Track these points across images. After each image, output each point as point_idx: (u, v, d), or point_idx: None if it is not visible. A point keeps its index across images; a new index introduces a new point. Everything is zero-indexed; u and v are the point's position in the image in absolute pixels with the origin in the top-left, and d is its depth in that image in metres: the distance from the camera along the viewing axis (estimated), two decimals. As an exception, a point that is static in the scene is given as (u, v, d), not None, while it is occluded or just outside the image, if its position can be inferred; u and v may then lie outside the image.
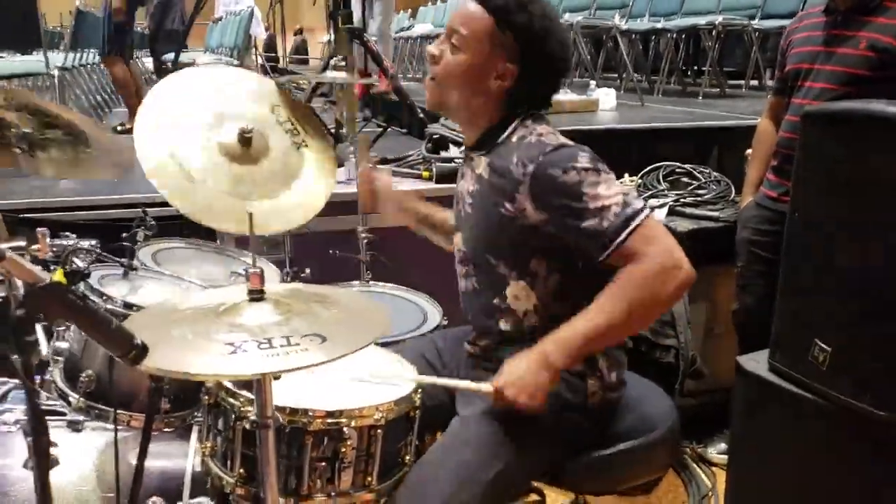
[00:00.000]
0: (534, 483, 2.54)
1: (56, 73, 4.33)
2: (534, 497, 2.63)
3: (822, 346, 1.82)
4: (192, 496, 1.73)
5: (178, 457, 1.79)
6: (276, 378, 1.27)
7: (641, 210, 1.52)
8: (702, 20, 5.81)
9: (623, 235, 1.49)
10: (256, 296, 1.23)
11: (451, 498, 1.54)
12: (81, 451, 1.74)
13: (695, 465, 2.95)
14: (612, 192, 1.52)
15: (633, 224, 1.49)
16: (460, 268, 1.81)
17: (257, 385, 1.25)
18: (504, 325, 1.72)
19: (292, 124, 1.82)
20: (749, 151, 2.95)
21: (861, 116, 1.78)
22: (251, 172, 1.70)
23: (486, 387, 1.58)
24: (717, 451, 2.97)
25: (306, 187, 1.76)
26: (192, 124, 1.69)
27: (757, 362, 2.04)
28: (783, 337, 1.97)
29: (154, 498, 1.70)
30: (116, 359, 1.00)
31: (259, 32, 10.11)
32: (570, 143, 1.62)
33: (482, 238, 1.70)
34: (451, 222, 1.90)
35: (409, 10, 12.04)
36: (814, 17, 2.61)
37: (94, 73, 7.42)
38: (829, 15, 2.53)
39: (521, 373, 1.53)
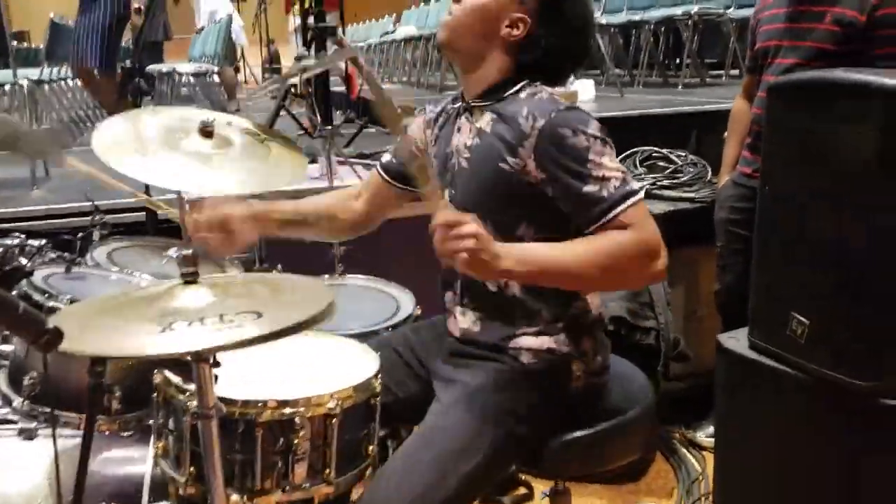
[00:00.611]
0: (521, 476, 2.51)
1: (25, 82, 4.27)
2: (522, 490, 2.60)
3: (800, 318, 1.80)
4: (152, 501, 1.66)
5: (139, 461, 1.72)
6: (216, 365, 1.21)
7: (639, 191, 1.51)
8: (678, 10, 5.81)
9: (622, 207, 1.47)
10: (190, 278, 1.17)
11: (430, 489, 1.49)
12: (34, 460, 1.67)
13: (684, 450, 2.92)
14: (615, 165, 1.51)
15: (631, 200, 1.49)
16: None
17: (196, 373, 1.19)
18: (491, 286, 1.67)
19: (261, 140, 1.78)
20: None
21: (824, 85, 1.77)
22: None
23: (446, 209, 1.42)
24: (706, 435, 2.94)
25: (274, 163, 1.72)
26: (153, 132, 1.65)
27: (737, 340, 2.02)
28: (760, 312, 1.95)
29: (111, 504, 1.64)
30: (30, 346, 0.94)
31: (242, 41, 10.10)
32: (581, 108, 1.60)
33: (475, 194, 1.65)
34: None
35: (394, 15, 12.03)
36: None
37: (74, 88, 7.39)
38: None
39: (484, 238, 1.39)
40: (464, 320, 1.72)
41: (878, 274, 1.64)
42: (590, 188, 1.48)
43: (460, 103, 1.75)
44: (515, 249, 1.47)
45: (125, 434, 1.77)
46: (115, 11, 4.97)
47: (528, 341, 1.64)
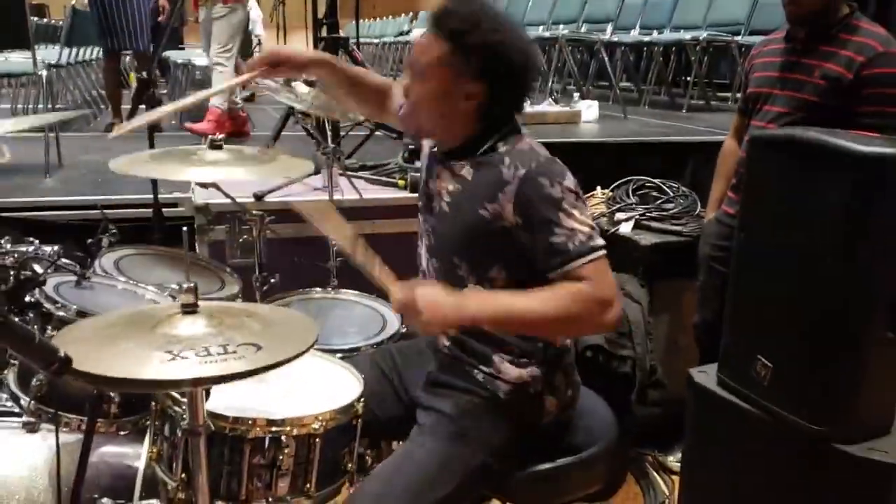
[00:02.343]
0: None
1: (44, 72, 4.37)
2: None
3: (765, 362, 1.88)
4: (142, 498, 1.77)
5: (133, 458, 1.83)
6: (208, 390, 1.32)
7: (602, 248, 1.59)
8: (687, 35, 5.87)
9: (582, 262, 1.55)
10: (189, 309, 1.28)
11: None
12: (35, 450, 1.79)
13: (654, 474, 3.00)
14: (584, 219, 1.59)
15: (592, 256, 1.56)
16: (425, 253, 1.84)
17: (189, 394, 1.30)
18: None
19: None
20: None
21: (802, 144, 1.82)
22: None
23: (397, 288, 1.56)
24: (676, 460, 3.01)
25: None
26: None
27: (707, 375, 2.09)
28: (729, 352, 2.03)
29: (104, 499, 1.75)
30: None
31: (259, 31, 10.12)
32: (559, 161, 1.67)
33: (453, 237, 1.73)
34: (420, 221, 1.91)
35: (411, 14, 12.04)
36: (775, 44, 2.66)
37: (90, 70, 7.49)
38: (789, 42, 2.58)
39: (438, 298, 1.53)
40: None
41: (840, 327, 1.72)
42: (557, 239, 1.57)
43: (437, 150, 1.81)
44: (472, 300, 1.56)
45: (122, 433, 1.87)
46: None
47: (505, 368, 1.73)
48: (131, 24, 5.33)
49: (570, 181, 1.61)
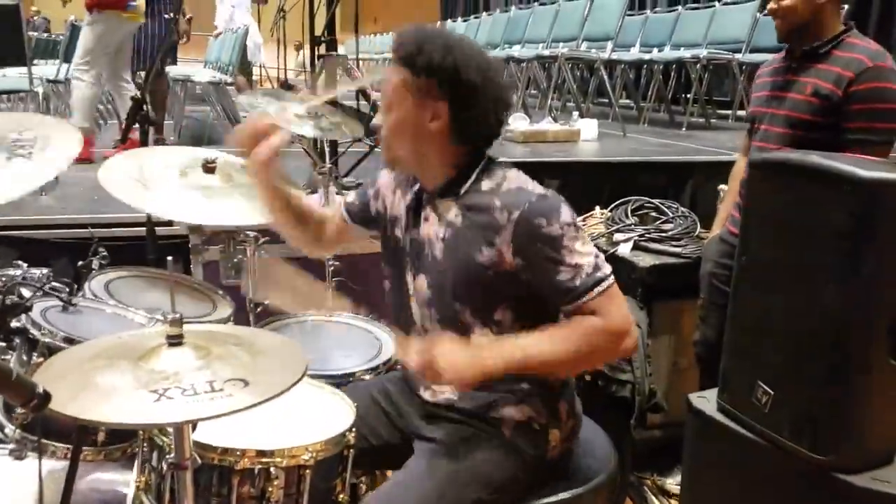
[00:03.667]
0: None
1: (40, 89, 4.37)
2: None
3: (765, 388, 1.85)
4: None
5: (122, 485, 1.80)
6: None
7: (609, 275, 1.59)
8: (687, 53, 5.88)
9: (591, 295, 1.55)
10: (175, 341, 1.25)
11: None
12: (22, 478, 1.74)
13: (653, 497, 2.97)
14: (587, 250, 1.58)
15: (601, 287, 1.56)
16: (424, 310, 1.77)
17: (175, 429, 1.27)
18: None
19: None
20: (722, 186, 2.99)
21: (801, 168, 1.81)
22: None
23: (417, 347, 1.57)
24: (675, 483, 2.98)
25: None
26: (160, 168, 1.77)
27: (707, 400, 2.07)
28: (730, 377, 2.00)
29: (92, 527, 1.72)
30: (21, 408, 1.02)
31: (259, 58, 10.12)
32: (551, 192, 1.65)
33: (451, 284, 1.69)
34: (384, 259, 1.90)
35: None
36: (776, 63, 2.66)
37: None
38: (786, 61, 2.59)
39: (456, 355, 1.54)
40: (439, 388, 1.76)
41: (841, 353, 1.70)
42: (563, 276, 1.56)
43: (423, 193, 1.78)
44: (487, 352, 1.56)
45: (111, 461, 1.85)
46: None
47: (509, 412, 1.70)
48: (143, 45, 5.30)
49: (566, 215, 1.59)
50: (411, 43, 1.64)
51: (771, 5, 2.53)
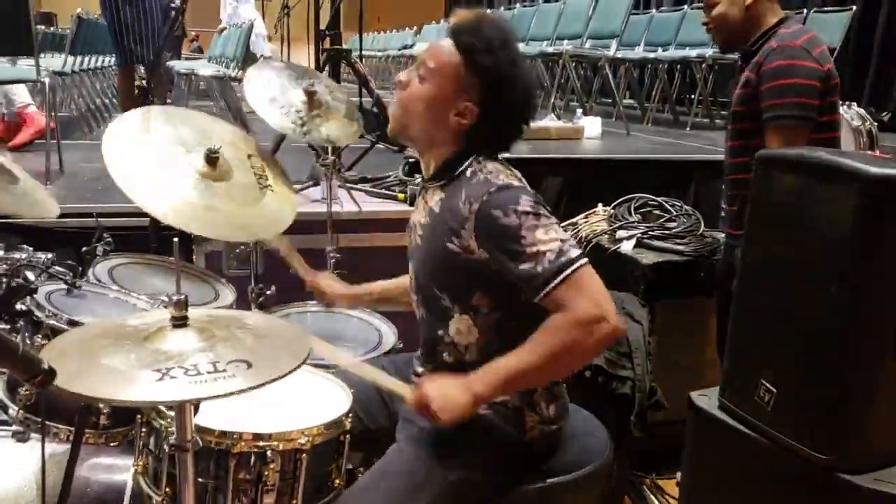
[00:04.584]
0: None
1: (47, 80, 4.37)
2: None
3: (768, 386, 1.84)
4: (131, 510, 1.76)
5: (122, 471, 1.81)
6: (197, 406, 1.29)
7: (575, 260, 1.52)
8: (692, 53, 5.88)
9: (554, 283, 1.51)
10: (179, 323, 1.26)
11: None
12: (25, 460, 1.76)
13: (652, 497, 2.96)
14: (549, 237, 1.54)
15: (565, 273, 1.51)
16: (413, 296, 1.83)
17: (177, 409, 1.27)
18: (447, 357, 1.74)
19: (261, 171, 1.90)
20: None
21: (807, 164, 1.80)
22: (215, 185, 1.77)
23: (408, 390, 1.59)
24: (674, 483, 2.98)
25: (269, 207, 1.84)
26: (164, 149, 1.75)
27: (708, 399, 2.06)
28: (732, 376, 1.99)
29: (92, 511, 1.73)
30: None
31: (264, 50, 10.13)
32: (516, 183, 1.63)
33: (429, 270, 1.72)
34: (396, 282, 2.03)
35: (415, 28, 12.09)
36: None
37: (95, 79, 7.51)
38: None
39: (446, 388, 1.54)
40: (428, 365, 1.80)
41: (844, 350, 1.69)
42: (524, 266, 1.53)
43: (421, 181, 1.82)
44: (474, 378, 1.55)
45: (112, 444, 1.85)
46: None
47: None
48: (146, 36, 5.32)
49: (525, 203, 1.56)
50: (482, 36, 1.63)
51: (703, 19, 2.58)
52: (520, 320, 1.62)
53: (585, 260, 1.54)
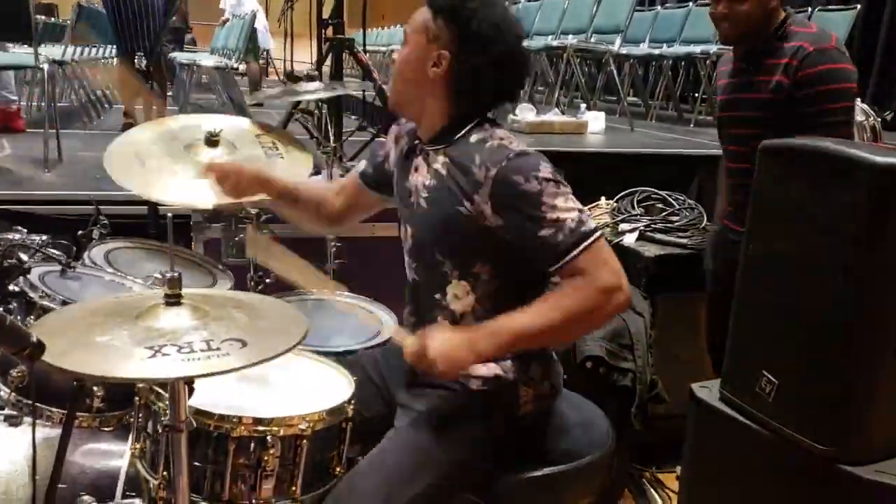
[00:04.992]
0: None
1: (46, 66, 4.35)
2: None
3: (770, 378, 1.83)
4: (125, 496, 1.74)
5: (117, 455, 1.80)
6: (192, 385, 1.27)
7: (595, 230, 1.56)
8: (697, 49, 5.86)
9: (575, 252, 1.52)
10: (172, 300, 1.23)
11: None
12: (17, 444, 1.75)
13: (652, 490, 2.95)
14: (569, 205, 1.56)
15: (586, 243, 1.53)
16: (407, 259, 1.82)
17: (171, 389, 1.25)
18: (441, 321, 1.73)
19: (271, 145, 1.90)
20: None
21: (813, 155, 1.78)
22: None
23: (411, 339, 1.57)
24: (675, 476, 2.96)
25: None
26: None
27: (710, 391, 2.04)
28: (733, 367, 1.98)
29: (85, 496, 1.71)
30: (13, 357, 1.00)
31: (267, 45, 10.09)
32: (532, 150, 1.63)
33: (433, 233, 1.71)
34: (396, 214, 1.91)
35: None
36: (729, 63, 2.65)
37: (95, 68, 7.49)
38: (736, 62, 2.58)
39: (448, 341, 1.53)
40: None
41: (847, 343, 1.67)
42: (545, 232, 1.54)
43: (416, 142, 1.79)
44: (480, 334, 1.54)
45: (106, 429, 1.83)
46: None
47: (475, 368, 1.68)
48: (146, 25, 5.31)
49: (545, 170, 1.58)
50: None
51: (720, 9, 2.46)
52: (518, 289, 1.64)
53: (601, 232, 1.57)
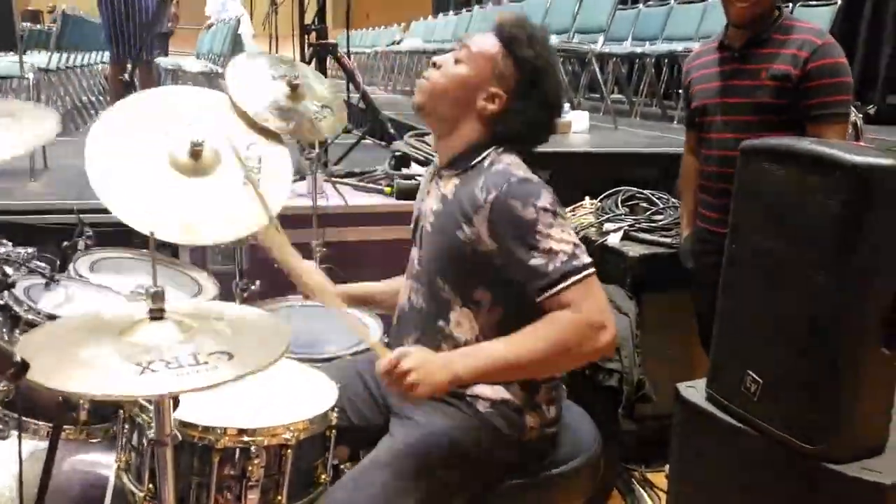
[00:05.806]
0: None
1: (31, 75, 4.33)
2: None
3: (755, 377, 1.84)
4: (113, 507, 1.73)
5: (104, 467, 1.79)
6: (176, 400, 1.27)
7: (588, 265, 1.55)
8: (679, 47, 5.87)
9: (565, 284, 1.52)
10: (157, 315, 1.23)
11: None
12: (4, 457, 1.72)
13: (640, 489, 2.96)
14: (564, 237, 1.55)
15: (576, 276, 1.53)
16: (412, 282, 1.81)
17: (156, 403, 1.25)
18: (445, 350, 1.70)
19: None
20: None
21: (794, 154, 1.79)
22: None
23: (388, 356, 1.53)
24: (663, 475, 2.97)
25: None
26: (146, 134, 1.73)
27: (696, 390, 2.06)
28: (719, 366, 1.99)
29: (73, 508, 1.71)
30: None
31: (251, 49, 10.05)
32: (536, 178, 1.64)
33: (436, 259, 1.72)
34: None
35: (403, 24, 12.05)
36: (709, 54, 2.65)
37: (82, 76, 7.45)
38: (726, 51, 2.58)
39: (425, 360, 1.51)
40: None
41: (832, 342, 1.69)
42: (536, 261, 1.54)
43: (434, 167, 1.81)
44: (458, 357, 1.54)
45: (93, 440, 1.83)
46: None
47: (483, 390, 1.68)
48: (139, 32, 5.28)
49: (545, 200, 1.58)
50: (524, 31, 1.69)
51: None
52: (520, 320, 1.59)
53: (594, 269, 1.56)
